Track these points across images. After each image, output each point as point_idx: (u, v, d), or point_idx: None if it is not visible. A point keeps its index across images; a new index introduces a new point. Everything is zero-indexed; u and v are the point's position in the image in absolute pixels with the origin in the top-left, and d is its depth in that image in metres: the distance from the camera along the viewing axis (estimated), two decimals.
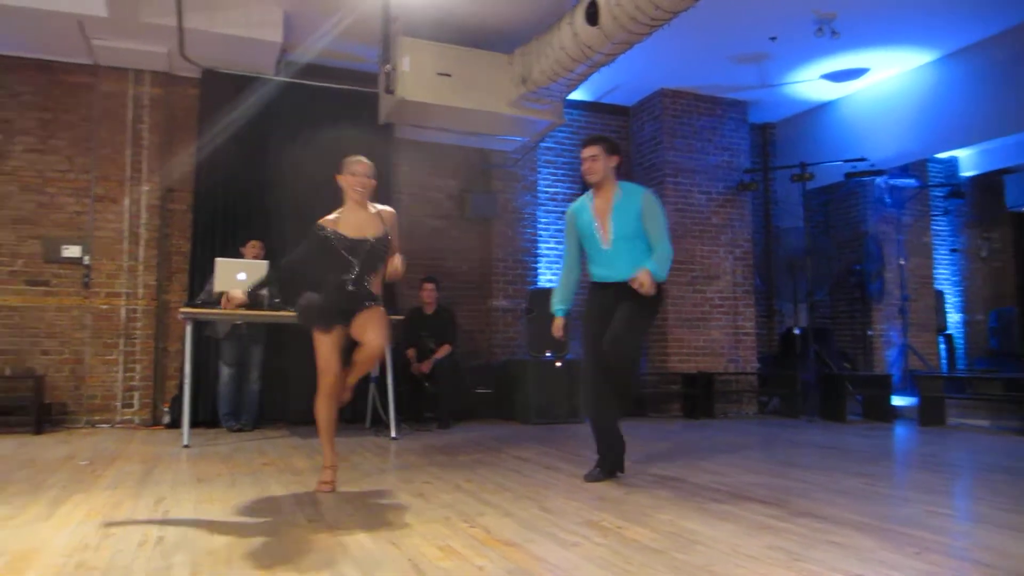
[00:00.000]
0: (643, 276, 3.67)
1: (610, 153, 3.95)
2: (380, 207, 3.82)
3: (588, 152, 3.98)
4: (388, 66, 6.14)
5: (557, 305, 4.12)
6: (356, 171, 3.68)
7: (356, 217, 3.69)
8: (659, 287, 3.80)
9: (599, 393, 3.92)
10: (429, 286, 6.87)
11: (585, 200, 4.07)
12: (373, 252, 3.66)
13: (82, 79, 6.69)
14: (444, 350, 6.74)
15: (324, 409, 3.64)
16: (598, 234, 3.95)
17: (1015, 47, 6.71)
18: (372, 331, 3.55)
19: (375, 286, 3.70)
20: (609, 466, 3.95)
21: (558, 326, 4.12)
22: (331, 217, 3.71)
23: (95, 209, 6.59)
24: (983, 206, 10.17)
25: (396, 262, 3.71)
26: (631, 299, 3.80)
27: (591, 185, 4.02)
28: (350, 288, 3.62)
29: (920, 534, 2.77)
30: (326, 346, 3.59)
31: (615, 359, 3.76)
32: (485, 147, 7.90)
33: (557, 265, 8.36)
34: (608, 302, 3.92)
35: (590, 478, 3.89)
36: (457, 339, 6.98)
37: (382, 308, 3.70)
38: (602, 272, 3.99)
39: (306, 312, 3.66)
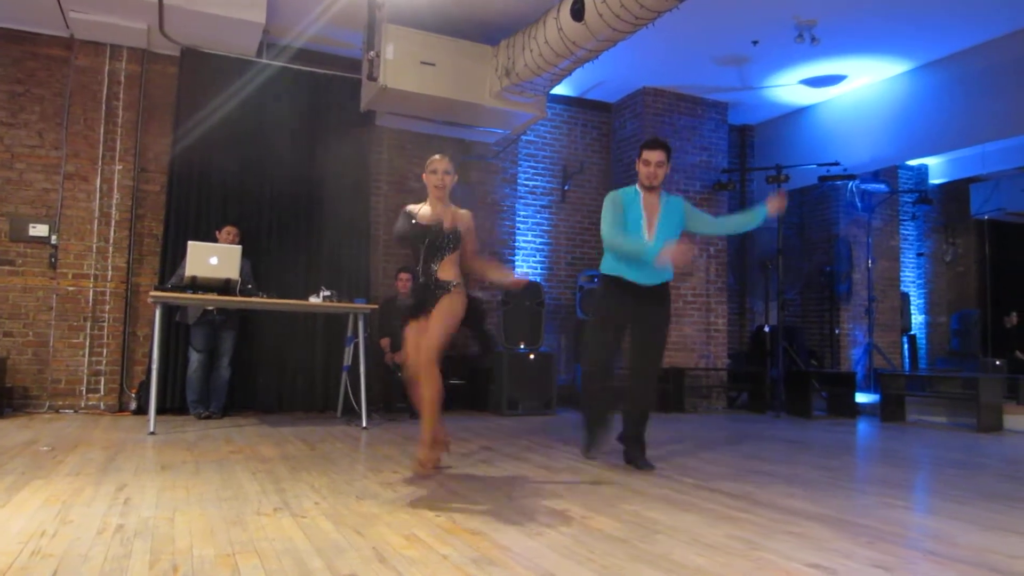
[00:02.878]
0: (681, 247, 3.87)
1: (669, 161, 4.15)
2: (459, 210, 3.95)
3: (657, 156, 4.08)
4: (372, 53, 6.11)
5: (644, 244, 4.02)
6: (435, 168, 3.89)
7: (431, 210, 3.87)
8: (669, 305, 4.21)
9: (607, 396, 4.24)
10: (404, 276, 6.87)
11: (633, 193, 4.15)
12: (435, 240, 3.80)
13: (57, 52, 6.55)
14: None
15: (417, 393, 3.74)
16: (644, 228, 4.04)
17: (985, 61, 6.86)
18: (429, 332, 3.71)
19: (446, 272, 3.82)
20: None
21: (680, 247, 3.91)
22: (415, 206, 3.94)
23: (65, 187, 6.48)
24: (949, 213, 10.42)
25: (498, 269, 4.06)
26: (656, 315, 4.08)
27: (646, 188, 4.12)
28: (420, 279, 3.84)
29: (875, 525, 2.85)
30: (410, 339, 3.81)
31: (644, 398, 4.19)
32: (466, 138, 7.89)
33: (535, 259, 8.39)
34: (630, 307, 4.09)
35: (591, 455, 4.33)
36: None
37: (454, 296, 3.80)
38: (633, 272, 4.05)
39: (404, 311, 3.96)
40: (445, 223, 3.81)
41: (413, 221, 3.84)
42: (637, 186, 4.18)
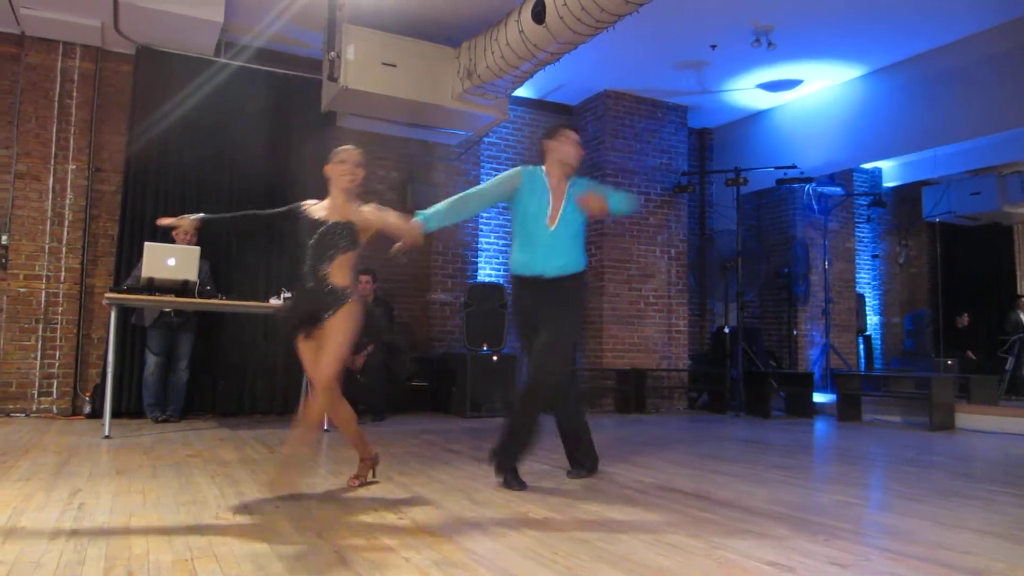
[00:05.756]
0: (596, 198, 3.64)
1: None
2: (364, 207, 3.49)
3: (578, 137, 3.88)
4: (333, 53, 6.07)
5: (424, 213, 3.67)
6: (345, 159, 3.44)
7: (331, 204, 3.42)
8: (581, 284, 3.84)
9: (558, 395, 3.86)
10: (365, 278, 6.81)
11: (540, 172, 3.84)
12: (325, 237, 3.32)
13: (7, 49, 6.38)
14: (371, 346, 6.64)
15: (340, 412, 3.42)
16: (547, 211, 3.73)
17: (937, 67, 7.06)
18: (323, 354, 3.25)
19: (338, 277, 3.33)
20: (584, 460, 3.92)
21: (414, 226, 3.56)
22: (311, 201, 3.46)
23: (16, 187, 6.31)
24: (902, 215, 10.69)
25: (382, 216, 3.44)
26: (555, 306, 3.68)
27: (565, 167, 3.82)
28: (308, 283, 3.34)
29: (831, 522, 2.91)
30: (307, 354, 3.33)
31: (544, 389, 3.66)
32: (428, 139, 7.87)
33: (497, 260, 8.40)
34: (534, 299, 3.74)
35: (573, 476, 3.88)
36: (393, 331, 6.94)
37: (351, 309, 3.30)
38: (531, 260, 3.72)
39: (285, 326, 3.53)
40: (339, 217, 3.36)
41: (300, 214, 3.39)
42: (545, 168, 3.85)
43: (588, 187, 3.90)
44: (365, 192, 7.56)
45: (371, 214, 3.46)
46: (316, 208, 3.42)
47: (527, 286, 3.78)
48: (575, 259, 3.80)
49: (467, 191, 3.86)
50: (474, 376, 7.03)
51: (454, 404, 7.19)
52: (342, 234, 3.34)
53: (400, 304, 7.62)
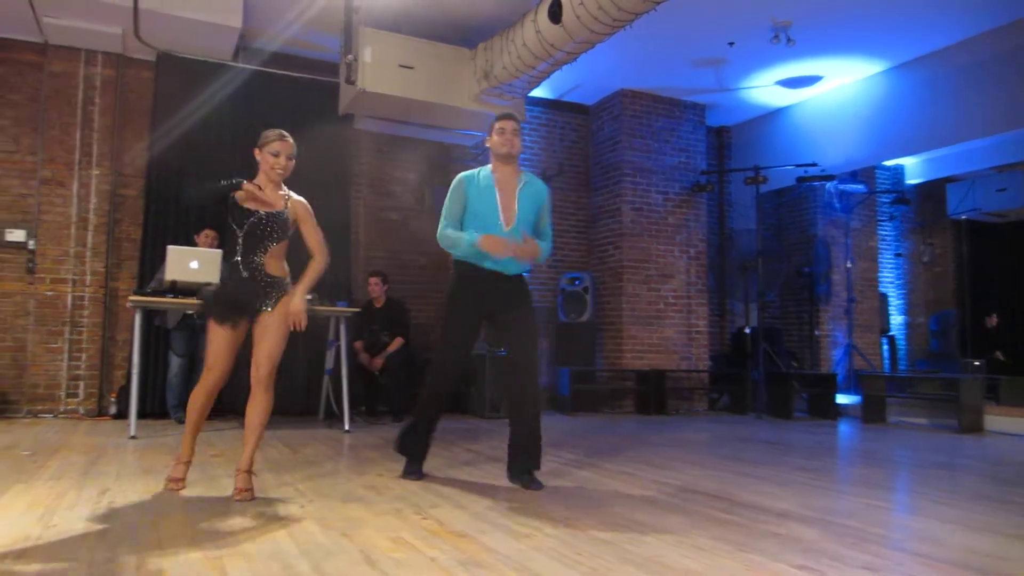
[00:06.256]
0: (534, 246, 3.54)
1: (521, 135, 3.79)
2: (294, 196, 3.43)
3: (512, 125, 3.68)
4: (350, 56, 6.10)
5: (471, 235, 3.59)
6: (277, 151, 3.31)
7: (267, 195, 3.33)
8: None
9: (451, 391, 3.83)
10: (374, 280, 6.82)
11: (485, 175, 3.73)
12: (259, 226, 3.26)
13: (31, 57, 6.49)
14: (397, 343, 6.70)
15: (199, 404, 3.33)
16: (500, 212, 3.63)
17: (960, 61, 6.96)
18: (263, 349, 3.23)
19: (274, 267, 3.32)
20: (520, 464, 3.65)
21: (502, 241, 3.54)
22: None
23: (41, 192, 6.41)
24: (926, 213, 10.53)
25: (314, 265, 3.38)
26: (522, 305, 3.66)
27: (502, 158, 3.71)
28: (242, 273, 3.27)
29: (860, 526, 2.87)
30: (219, 341, 3.24)
31: (534, 392, 3.63)
32: (445, 140, 7.88)
33: None
34: (490, 295, 3.64)
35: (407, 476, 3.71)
36: (409, 332, 6.94)
37: (285, 303, 3.30)
38: (489, 257, 3.60)
39: (204, 301, 3.37)
40: (275, 206, 3.30)
41: (232, 202, 3.26)
42: (491, 166, 3.76)
43: (537, 192, 3.77)
44: (384, 194, 7.66)
45: (303, 208, 3.40)
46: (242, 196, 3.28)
47: (482, 278, 3.65)
48: None
49: (445, 230, 3.68)
50: (492, 377, 7.03)
51: (473, 404, 7.19)
52: (277, 225, 3.29)
53: (419, 304, 7.64)
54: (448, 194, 3.74)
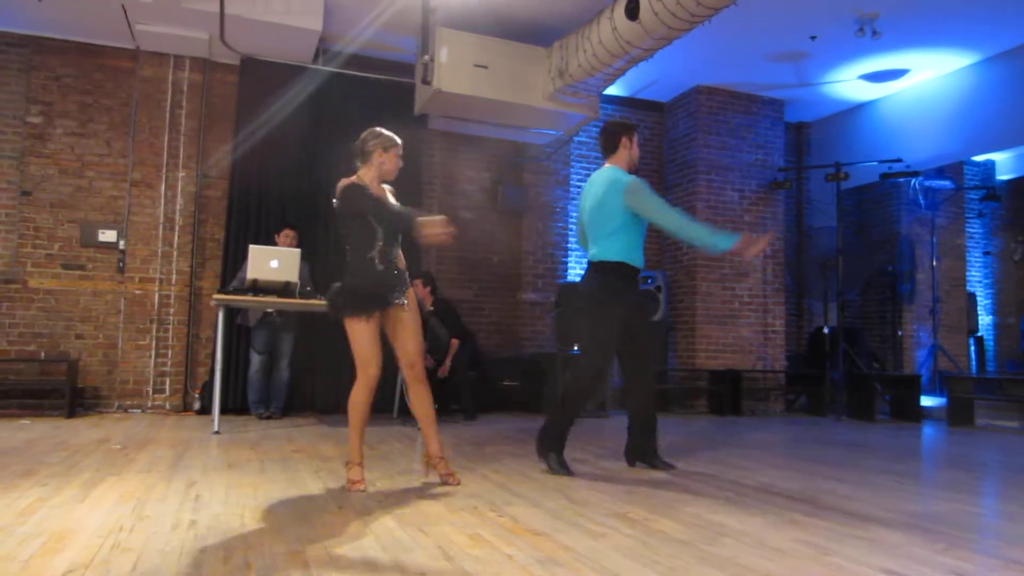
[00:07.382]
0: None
1: None
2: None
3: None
4: (426, 57, 6.18)
5: (722, 233, 3.77)
6: (400, 153, 3.60)
7: (374, 188, 3.51)
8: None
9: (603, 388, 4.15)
10: (416, 282, 6.82)
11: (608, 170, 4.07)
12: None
13: (123, 63, 6.79)
14: (453, 345, 6.65)
15: (362, 403, 3.38)
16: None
17: None
18: (408, 341, 3.47)
19: (402, 261, 3.52)
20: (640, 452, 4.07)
21: (753, 240, 3.69)
22: (356, 179, 3.48)
23: (131, 194, 6.70)
24: (1018, 210, 10.02)
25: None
26: (645, 302, 3.99)
27: (634, 168, 4.08)
28: (378, 267, 3.38)
29: (948, 530, 2.75)
30: (365, 335, 3.33)
31: (652, 394, 4.07)
32: (519, 140, 7.90)
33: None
34: (631, 295, 3.98)
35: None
36: (460, 330, 6.89)
37: (412, 293, 3.52)
38: (639, 256, 3.97)
39: (336, 297, 3.42)
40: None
41: (368, 194, 3.40)
42: (626, 170, 4.04)
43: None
44: (457, 193, 7.73)
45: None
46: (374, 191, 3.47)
47: (633, 278, 3.98)
48: None
49: (683, 217, 3.91)
50: (564, 376, 7.00)
51: (545, 404, 7.17)
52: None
53: (491, 303, 7.69)
54: (646, 190, 3.89)
